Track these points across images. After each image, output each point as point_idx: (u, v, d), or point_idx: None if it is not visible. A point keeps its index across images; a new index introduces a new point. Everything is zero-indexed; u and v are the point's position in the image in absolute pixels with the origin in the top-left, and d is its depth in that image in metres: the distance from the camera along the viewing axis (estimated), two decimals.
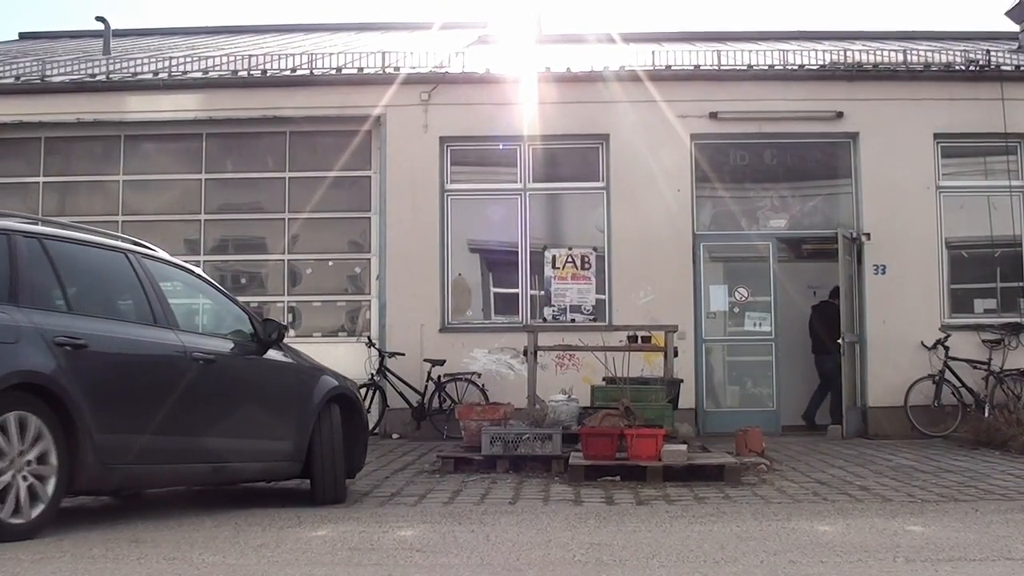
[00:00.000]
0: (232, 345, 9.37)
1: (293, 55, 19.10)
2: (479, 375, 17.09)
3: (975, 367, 16.88)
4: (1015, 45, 20.80)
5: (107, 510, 8.64)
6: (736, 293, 17.87)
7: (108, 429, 7.61)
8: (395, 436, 16.91)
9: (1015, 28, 21.50)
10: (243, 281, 18.61)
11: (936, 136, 17.67)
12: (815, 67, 18.28)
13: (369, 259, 18.05)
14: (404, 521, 8.32)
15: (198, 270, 9.97)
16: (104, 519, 8.26)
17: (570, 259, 17.77)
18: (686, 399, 15.74)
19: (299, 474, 9.60)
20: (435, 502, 9.53)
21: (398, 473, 12.03)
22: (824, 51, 19.07)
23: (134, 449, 7.89)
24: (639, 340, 14.23)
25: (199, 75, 18.47)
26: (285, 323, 10.28)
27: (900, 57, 18.42)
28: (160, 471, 8.49)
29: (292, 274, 18.21)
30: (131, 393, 8.07)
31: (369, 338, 17.42)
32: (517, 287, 17.93)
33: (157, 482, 9.21)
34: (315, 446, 9.55)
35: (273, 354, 9.60)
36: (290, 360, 9.84)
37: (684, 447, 11.45)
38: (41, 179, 18.32)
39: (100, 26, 21.89)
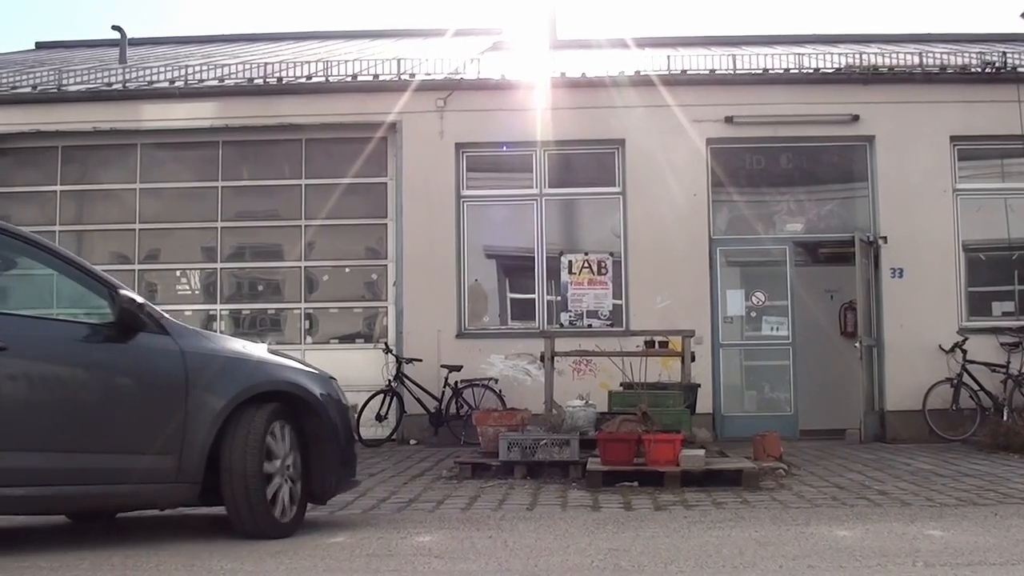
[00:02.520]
0: (60, 327, 7.61)
1: (308, 63, 19.16)
2: (496, 381, 17.09)
3: (993, 370, 16.81)
4: None
5: (127, 519, 8.65)
6: (753, 297, 17.86)
7: None
8: (413, 442, 16.93)
9: None
10: (260, 288, 18.67)
11: (952, 139, 17.62)
12: (830, 70, 18.27)
13: (386, 265, 18.08)
14: (422, 527, 8.31)
15: (39, 237, 7.71)
16: (123, 528, 8.28)
17: (586, 264, 17.77)
18: (703, 404, 15.71)
19: (197, 500, 7.56)
20: (453, 508, 9.52)
21: (416, 479, 12.03)
22: (839, 54, 19.03)
23: None
24: (656, 345, 14.24)
25: (215, 83, 18.53)
26: (141, 298, 7.45)
27: (916, 60, 18.39)
28: None
29: (309, 281, 18.24)
30: None
31: (386, 344, 17.43)
32: (534, 293, 17.93)
33: None
34: (223, 462, 7.48)
35: (151, 340, 7.45)
36: (175, 347, 7.52)
37: (702, 452, 11.44)
38: (58, 188, 18.39)
39: (116, 35, 21.99)
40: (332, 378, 8.70)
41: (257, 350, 8.39)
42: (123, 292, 7.39)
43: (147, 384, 7.48)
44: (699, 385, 14.91)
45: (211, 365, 7.72)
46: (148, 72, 19.28)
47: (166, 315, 7.75)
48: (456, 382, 17.01)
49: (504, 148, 18.05)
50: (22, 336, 6.97)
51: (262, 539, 7.40)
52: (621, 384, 13.63)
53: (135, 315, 7.35)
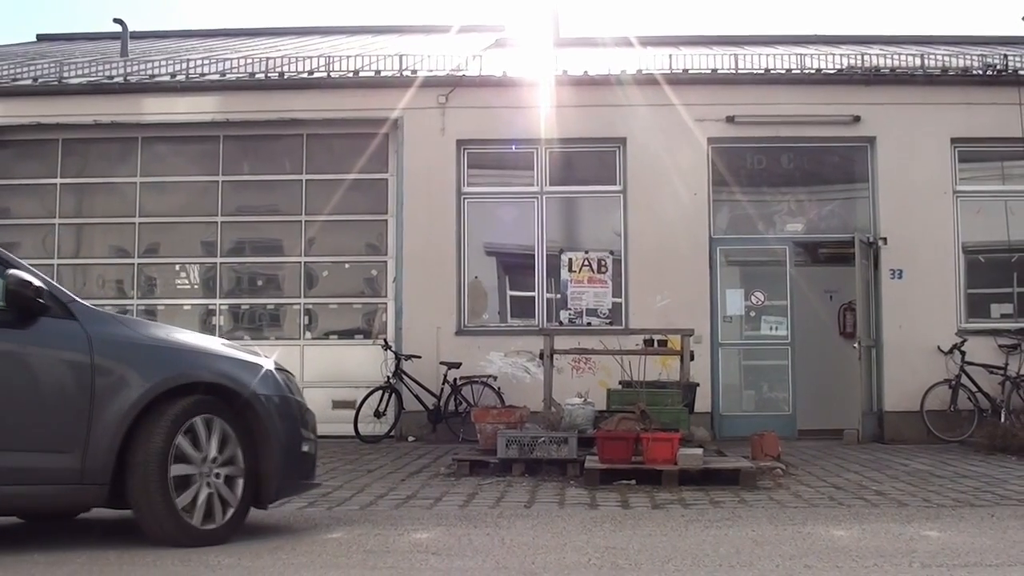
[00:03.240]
0: None
1: (310, 57, 19.13)
2: (495, 378, 17.09)
3: (991, 372, 16.83)
4: None
5: (124, 517, 8.67)
6: (752, 297, 17.87)
7: None
8: (411, 439, 16.93)
9: None
10: (259, 283, 18.66)
11: (953, 140, 17.63)
12: (832, 71, 18.26)
13: (386, 262, 18.07)
14: (419, 524, 8.32)
15: None
16: (120, 525, 8.29)
17: (586, 262, 17.77)
18: (702, 403, 15.73)
19: (105, 502, 6.97)
20: (451, 505, 9.53)
21: (413, 476, 12.03)
22: (841, 55, 19.02)
23: None
24: (655, 344, 14.24)
25: (216, 77, 18.51)
26: (40, 280, 6.88)
27: (917, 61, 18.39)
28: None
29: (309, 276, 18.24)
30: None
31: (385, 340, 17.42)
32: (533, 290, 17.94)
33: None
34: (128, 461, 6.88)
35: (54, 326, 6.89)
36: (82, 334, 6.93)
37: (700, 451, 11.45)
38: (58, 181, 18.37)
39: (117, 28, 22.00)
40: (282, 371, 8.07)
41: (190, 338, 7.84)
42: (13, 272, 6.78)
43: (45, 374, 6.93)
44: (698, 384, 14.92)
45: (123, 354, 7.10)
46: (149, 66, 19.27)
47: (77, 299, 7.21)
48: (455, 379, 17.01)
49: (514, 147, 18.02)
50: None
51: (177, 547, 6.86)
52: (620, 382, 13.65)
53: (28, 298, 6.74)
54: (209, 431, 7.21)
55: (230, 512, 7.28)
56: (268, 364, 7.86)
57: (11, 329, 6.76)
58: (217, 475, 7.22)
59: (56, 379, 6.92)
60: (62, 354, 6.92)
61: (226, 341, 8.24)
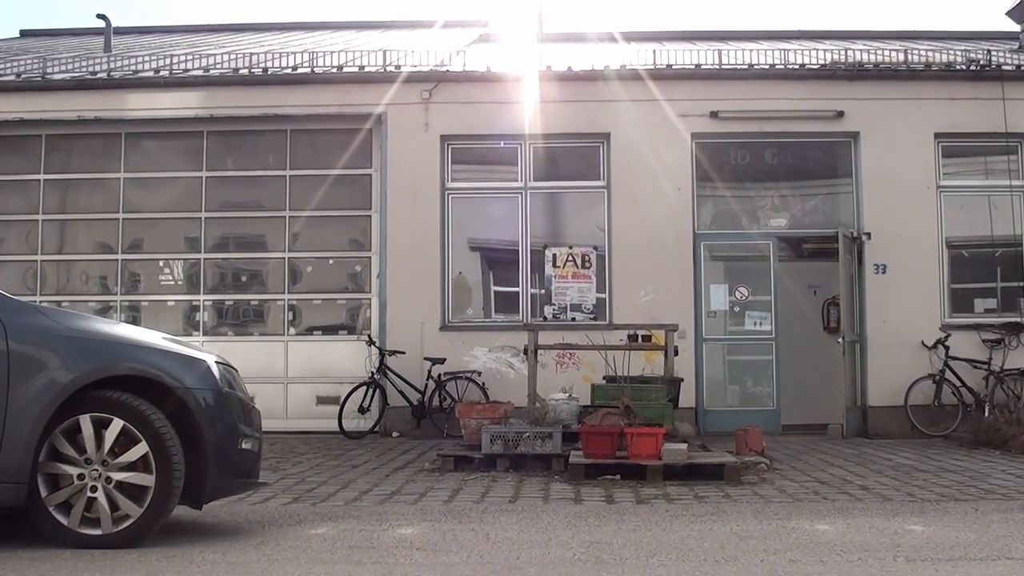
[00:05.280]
0: None
1: (294, 53, 19.09)
2: (479, 373, 17.08)
3: (975, 367, 16.88)
4: (1016, 45, 20.79)
5: None
6: (737, 292, 17.88)
7: None
8: (395, 434, 16.91)
9: (1016, 28, 21.50)
10: (243, 279, 18.62)
11: (937, 135, 17.67)
12: (816, 66, 18.27)
13: (370, 257, 18.05)
14: (404, 519, 8.32)
15: None
16: None
17: (571, 258, 17.77)
18: (686, 398, 15.75)
19: (22, 502, 6.77)
20: (435, 500, 9.53)
21: (398, 472, 12.03)
22: (825, 50, 19.05)
23: None
24: (639, 339, 14.26)
25: (200, 73, 18.47)
26: None
27: (901, 57, 18.40)
28: None
29: (293, 272, 18.20)
30: None
31: (369, 336, 17.40)
32: (517, 286, 17.93)
33: None
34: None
35: None
36: None
37: (684, 446, 11.47)
38: (42, 176, 18.31)
39: (101, 24, 21.91)
40: (224, 365, 7.70)
41: (118, 329, 7.65)
42: None
43: None
44: (682, 379, 14.93)
45: (43, 345, 6.90)
46: (133, 61, 19.20)
47: None
48: (439, 374, 17.00)
49: (502, 144, 17.99)
50: None
51: (63, 548, 6.70)
52: (604, 378, 13.66)
53: None
54: (106, 429, 6.87)
55: (134, 515, 6.88)
56: (206, 358, 7.55)
57: None
58: (108, 479, 6.85)
59: None
60: None
61: (164, 335, 7.89)
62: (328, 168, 17.95)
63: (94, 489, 6.81)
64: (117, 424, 6.85)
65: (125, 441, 6.88)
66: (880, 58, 18.59)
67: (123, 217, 18.17)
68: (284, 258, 18.13)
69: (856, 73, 18.00)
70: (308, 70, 18.35)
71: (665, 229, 17.37)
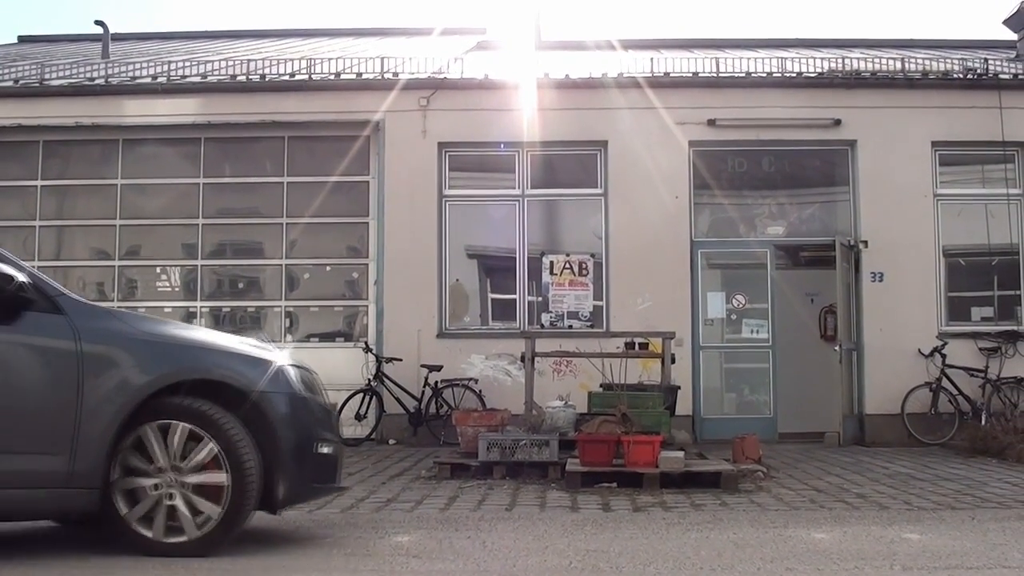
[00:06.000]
0: None
1: (292, 60, 19.10)
2: (476, 381, 17.07)
3: (972, 375, 16.89)
4: (1013, 54, 20.81)
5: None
6: (734, 300, 17.90)
7: None
8: (392, 442, 16.90)
9: (1013, 37, 21.51)
10: (240, 286, 18.61)
11: (934, 144, 17.68)
12: (813, 75, 18.28)
13: (367, 264, 18.05)
14: (400, 527, 8.30)
15: None
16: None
17: (568, 265, 17.77)
18: (683, 406, 15.73)
19: (95, 508, 6.67)
20: (432, 508, 9.52)
21: (395, 479, 12.02)
22: (822, 59, 19.05)
23: None
24: (636, 347, 14.26)
25: (198, 79, 18.47)
26: (22, 273, 6.65)
27: (898, 65, 18.43)
28: None
29: (290, 279, 18.20)
30: None
31: (366, 343, 17.39)
32: (515, 293, 17.92)
33: None
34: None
35: (38, 320, 6.69)
36: (68, 329, 6.69)
37: (681, 454, 11.45)
38: (39, 182, 18.31)
39: (99, 30, 21.90)
40: (300, 368, 7.64)
41: (191, 333, 7.64)
42: None
43: (29, 372, 6.66)
44: (679, 387, 14.94)
45: (115, 349, 6.83)
46: (131, 68, 19.21)
47: (67, 293, 6.96)
48: (436, 382, 16.99)
49: (502, 147, 17.98)
50: None
51: (145, 556, 6.63)
52: (601, 385, 13.64)
53: (7, 292, 6.52)
54: (175, 435, 6.82)
55: (211, 523, 6.81)
56: (281, 361, 7.44)
57: None
58: (184, 484, 6.80)
59: (41, 377, 6.65)
60: (47, 350, 6.68)
61: (238, 337, 7.86)
62: (325, 175, 17.95)
63: (170, 496, 6.76)
64: (183, 428, 6.81)
65: (196, 445, 6.84)
66: (877, 66, 18.61)
67: (120, 223, 18.16)
68: (281, 265, 18.13)
69: (853, 81, 18.01)
70: (306, 77, 18.34)
71: (662, 237, 17.37)
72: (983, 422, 16.12)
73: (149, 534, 6.72)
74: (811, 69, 18.44)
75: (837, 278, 17.17)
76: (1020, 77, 18.18)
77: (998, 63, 18.61)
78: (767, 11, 62.43)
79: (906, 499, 10.11)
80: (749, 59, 18.69)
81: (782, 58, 18.77)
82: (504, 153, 18.02)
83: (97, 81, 18.58)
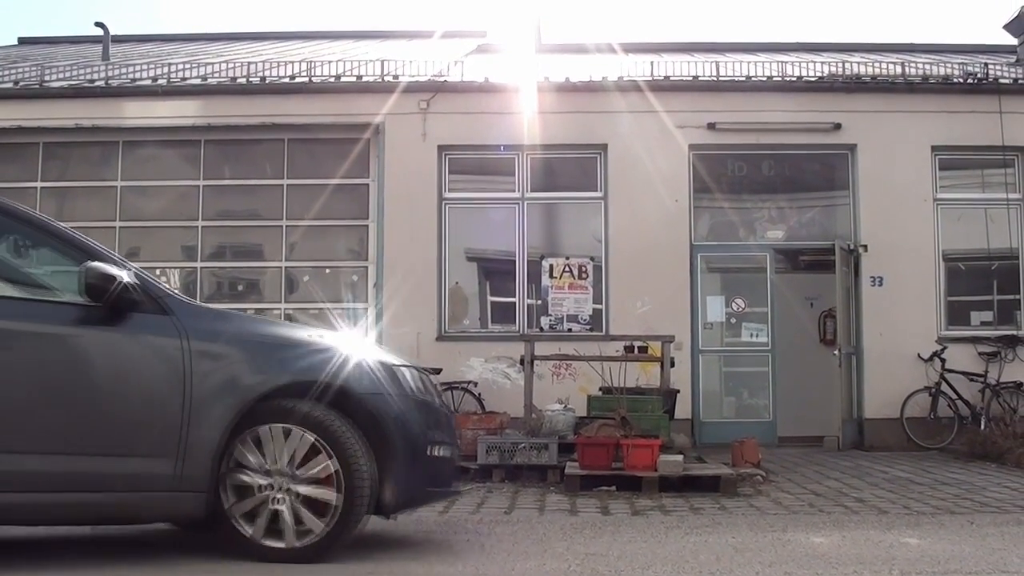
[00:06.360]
0: (20, 308, 6.62)
1: (292, 62, 19.11)
2: (475, 384, 17.06)
3: (971, 379, 16.89)
4: (1013, 58, 20.81)
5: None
6: (733, 304, 17.90)
7: None
8: None
9: (1013, 41, 21.53)
10: (240, 288, 18.60)
11: (934, 148, 17.69)
12: (813, 79, 18.29)
13: (366, 267, 18.04)
14: (399, 530, 8.28)
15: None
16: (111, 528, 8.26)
17: (567, 268, 17.77)
18: (682, 409, 15.72)
19: (203, 512, 6.54)
20: (431, 511, 9.47)
21: None
22: (822, 63, 19.09)
23: None
24: (636, 350, 14.25)
25: (198, 82, 18.47)
26: (128, 273, 6.52)
27: (898, 69, 18.44)
28: None
29: (289, 281, 18.19)
30: None
31: None
32: (514, 296, 17.91)
33: None
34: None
35: (145, 321, 6.55)
36: (174, 330, 6.57)
37: (680, 458, 11.46)
38: (39, 184, 18.29)
39: (99, 32, 21.90)
40: (414, 368, 7.45)
41: (300, 333, 7.34)
42: (94, 265, 6.43)
43: (135, 374, 6.53)
44: (678, 390, 14.94)
45: (223, 351, 6.71)
46: (131, 70, 19.21)
47: (174, 293, 6.90)
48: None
49: (502, 148, 17.97)
50: None
51: (244, 561, 6.51)
52: (600, 389, 13.62)
53: (111, 292, 6.36)
54: (284, 437, 6.65)
55: (322, 527, 6.64)
56: (395, 361, 7.27)
57: (96, 327, 6.48)
58: (293, 492, 6.62)
59: (147, 379, 6.54)
60: (154, 351, 6.57)
61: (348, 339, 7.64)
62: (325, 177, 17.95)
63: (276, 501, 6.60)
64: (303, 435, 6.64)
65: (310, 452, 6.66)
66: (878, 71, 18.63)
67: (120, 225, 18.13)
68: (281, 267, 18.12)
69: (854, 85, 18.03)
70: (306, 79, 18.35)
71: (662, 240, 17.37)
72: (982, 426, 16.12)
73: (248, 532, 6.60)
74: (811, 73, 18.46)
75: (837, 282, 17.17)
76: (1020, 82, 18.19)
77: (998, 68, 18.62)
78: (767, 15, 62.47)
79: (905, 503, 10.11)
80: (749, 63, 18.68)
81: (782, 62, 18.80)
82: (504, 156, 18.02)
83: (97, 83, 18.59)
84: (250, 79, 18.40)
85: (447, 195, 17.92)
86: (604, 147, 17.75)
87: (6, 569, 6.40)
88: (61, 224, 6.93)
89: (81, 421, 6.36)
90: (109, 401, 6.44)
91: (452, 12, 61.72)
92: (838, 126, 17.66)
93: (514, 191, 18.02)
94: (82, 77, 18.94)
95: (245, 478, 6.60)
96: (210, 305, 7.68)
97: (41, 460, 6.19)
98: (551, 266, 17.78)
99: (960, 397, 16.78)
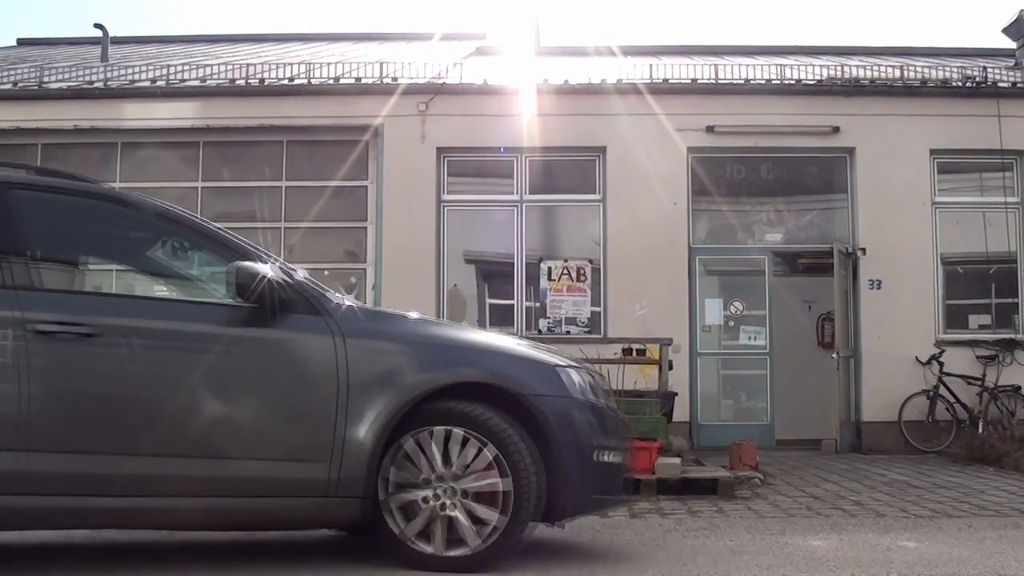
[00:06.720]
0: (169, 309, 6.76)
1: (291, 64, 19.12)
2: None
3: (969, 383, 16.89)
4: (1012, 62, 20.80)
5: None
6: (731, 307, 17.91)
7: None
8: None
9: (1012, 45, 21.52)
10: None
11: (932, 152, 17.70)
12: (812, 82, 18.30)
13: (365, 269, 18.03)
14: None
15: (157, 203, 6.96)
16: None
17: (566, 271, 17.77)
18: (680, 412, 15.69)
19: (358, 518, 6.42)
20: None
21: None
22: (821, 66, 19.08)
23: None
24: (634, 353, 14.24)
25: (197, 83, 18.47)
26: (282, 273, 6.59)
27: (897, 73, 18.44)
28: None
29: None
30: None
31: None
32: (512, 298, 17.91)
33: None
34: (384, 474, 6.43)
35: (298, 322, 6.47)
36: (328, 330, 6.46)
37: (678, 460, 11.45)
38: None
39: (98, 33, 21.87)
40: (582, 370, 7.13)
41: (459, 333, 7.28)
42: (244, 265, 6.37)
43: (290, 376, 6.44)
44: (676, 393, 14.91)
45: (380, 352, 6.55)
46: (130, 71, 19.21)
47: (328, 293, 6.78)
48: None
49: (502, 150, 17.96)
50: (116, 324, 6.18)
51: (425, 571, 6.31)
52: None
53: (263, 292, 6.33)
54: (445, 442, 6.44)
55: (486, 535, 6.41)
56: (559, 362, 6.97)
57: (249, 327, 6.39)
58: (460, 492, 6.40)
59: (302, 380, 6.44)
60: (309, 353, 6.47)
61: (513, 338, 7.58)
62: (324, 179, 17.94)
63: (441, 507, 6.37)
64: (468, 438, 6.43)
65: (467, 450, 6.42)
66: (876, 74, 18.62)
67: None
68: None
69: (852, 89, 18.03)
70: (305, 81, 18.36)
71: (661, 243, 17.37)
72: (980, 430, 16.13)
73: (429, 549, 6.37)
74: (810, 76, 18.47)
75: (835, 285, 17.19)
76: (1019, 85, 18.22)
77: (997, 71, 18.62)
78: (766, 18, 62.47)
79: (903, 507, 10.10)
80: (748, 66, 18.68)
81: (781, 65, 18.80)
82: (503, 158, 18.02)
83: (96, 84, 18.58)
84: (249, 81, 18.40)
85: (446, 197, 17.92)
86: (603, 149, 17.75)
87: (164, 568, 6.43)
88: (216, 224, 6.90)
89: (232, 424, 6.32)
90: (261, 404, 6.39)
91: (451, 14, 61.69)
92: (837, 129, 17.67)
93: (513, 193, 18.02)
94: (81, 78, 18.94)
95: (406, 484, 6.42)
96: (366, 305, 7.50)
97: (191, 464, 6.13)
98: (549, 268, 17.78)
99: (958, 400, 16.79)
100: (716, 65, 18.65)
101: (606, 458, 6.89)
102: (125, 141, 18.28)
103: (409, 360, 6.58)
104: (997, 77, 18.31)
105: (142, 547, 7.45)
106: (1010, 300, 17.85)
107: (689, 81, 18.26)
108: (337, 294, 6.81)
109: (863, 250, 17.38)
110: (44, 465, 5.89)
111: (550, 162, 18.11)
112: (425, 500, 6.36)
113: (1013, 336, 17.46)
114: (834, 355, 17.10)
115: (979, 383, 16.90)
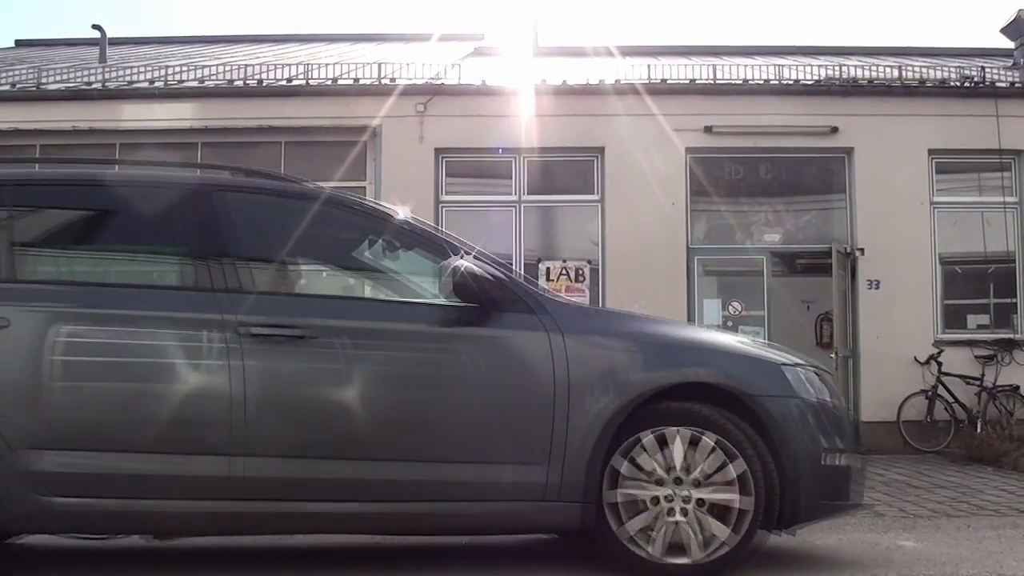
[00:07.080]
0: (383, 310, 6.74)
1: (289, 65, 19.09)
2: None
3: (968, 383, 16.88)
4: (1010, 62, 20.80)
5: None
6: (730, 307, 17.89)
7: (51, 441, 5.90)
8: None
9: (1010, 45, 21.51)
10: None
11: (931, 152, 17.69)
12: (810, 82, 18.30)
13: None
14: None
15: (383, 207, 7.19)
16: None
17: (564, 271, 17.75)
18: None
19: (578, 524, 6.19)
20: None
21: None
22: (819, 66, 19.08)
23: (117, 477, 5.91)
24: None
25: (195, 84, 18.45)
26: (495, 271, 6.48)
27: (895, 73, 18.44)
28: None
29: None
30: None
31: None
32: None
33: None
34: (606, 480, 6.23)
35: (513, 321, 6.30)
36: (543, 329, 6.27)
37: None
38: None
39: (96, 34, 21.86)
40: (811, 369, 6.88)
41: (680, 331, 7.15)
42: (460, 265, 6.24)
43: (509, 376, 6.26)
44: None
45: (601, 351, 6.36)
46: (128, 72, 19.19)
47: (543, 291, 6.69)
48: None
49: (500, 151, 17.94)
50: (329, 325, 6.17)
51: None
52: None
53: (478, 292, 6.20)
54: (673, 443, 6.22)
55: (714, 544, 6.21)
56: (785, 360, 6.75)
57: (467, 327, 6.30)
58: (691, 500, 6.19)
59: (520, 380, 6.25)
60: (528, 353, 6.25)
61: (736, 336, 7.29)
62: (322, 180, 17.72)
63: (671, 512, 6.15)
64: (699, 439, 6.23)
65: (715, 462, 6.21)
66: (874, 74, 18.62)
67: None
68: None
69: (850, 89, 18.03)
70: (303, 82, 18.35)
71: (659, 243, 17.35)
72: (979, 430, 16.12)
73: (645, 553, 6.15)
74: (808, 76, 18.46)
75: (833, 285, 17.18)
76: (1017, 85, 18.22)
77: (995, 71, 18.61)
78: (764, 19, 62.56)
79: (901, 506, 10.10)
80: (746, 66, 18.67)
81: (779, 65, 18.80)
82: (501, 159, 18.01)
83: (94, 85, 18.57)
84: (247, 82, 18.39)
85: (444, 198, 17.91)
86: (601, 150, 17.74)
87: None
88: (425, 221, 6.92)
89: (449, 427, 6.19)
90: (476, 405, 6.25)
91: (449, 15, 61.79)
92: (835, 129, 17.67)
93: (511, 194, 18.00)
94: (79, 79, 18.92)
95: (632, 487, 6.20)
96: (581, 303, 7.37)
97: (405, 467, 6.06)
98: (548, 269, 17.77)
99: (957, 400, 16.78)
100: (714, 65, 18.65)
101: (834, 461, 6.61)
102: (123, 142, 18.24)
103: (632, 359, 6.39)
104: (995, 77, 18.30)
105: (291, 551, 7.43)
106: (1008, 300, 17.85)
107: (687, 81, 18.25)
108: (552, 293, 6.70)
109: (861, 250, 17.38)
110: (261, 470, 5.89)
111: (548, 163, 18.10)
112: (655, 501, 6.17)
113: (1011, 336, 17.46)
114: (833, 355, 17.08)
115: (978, 383, 16.89)
